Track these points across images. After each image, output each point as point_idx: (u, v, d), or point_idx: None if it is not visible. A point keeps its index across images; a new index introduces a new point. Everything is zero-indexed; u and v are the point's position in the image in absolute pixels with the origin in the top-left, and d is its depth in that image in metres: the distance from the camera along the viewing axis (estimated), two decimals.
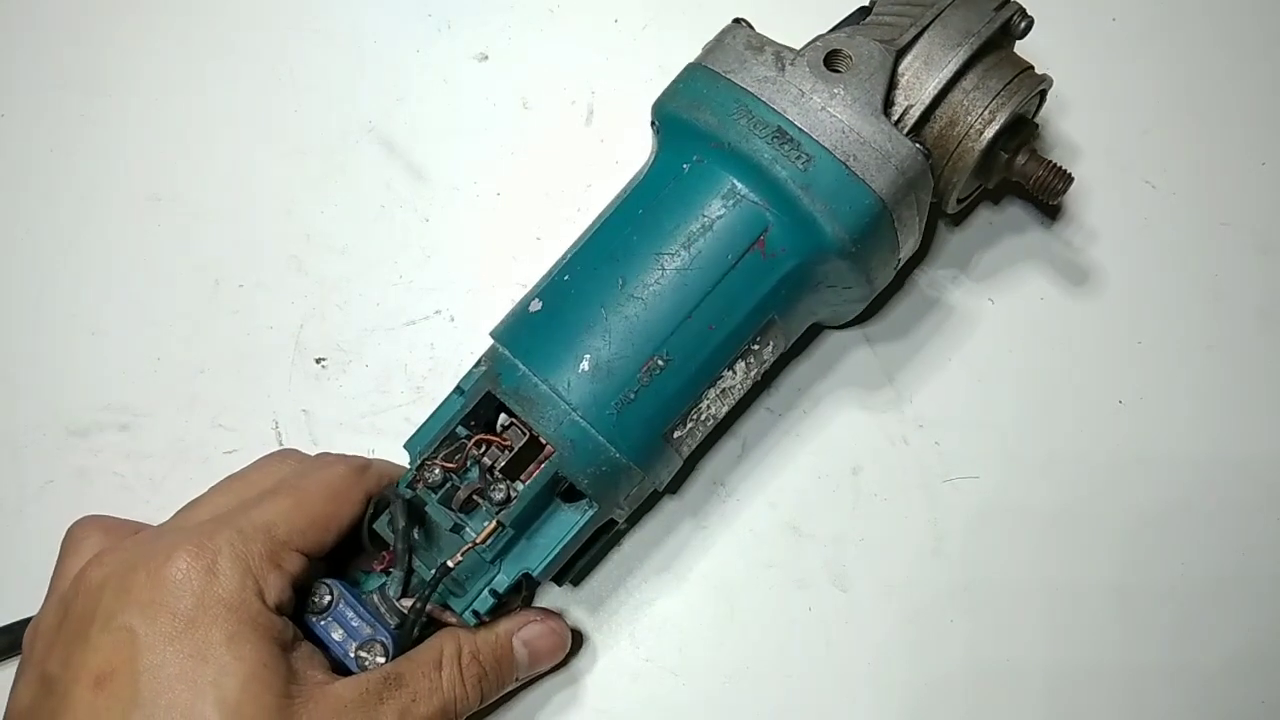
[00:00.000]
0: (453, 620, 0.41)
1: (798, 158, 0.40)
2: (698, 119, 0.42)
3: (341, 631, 0.39)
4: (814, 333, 0.50)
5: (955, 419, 0.50)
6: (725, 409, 0.44)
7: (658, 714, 0.46)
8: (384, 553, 0.42)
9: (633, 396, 0.40)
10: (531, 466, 0.41)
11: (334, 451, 0.45)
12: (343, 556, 0.42)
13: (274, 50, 0.56)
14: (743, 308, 0.42)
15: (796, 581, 0.48)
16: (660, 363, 0.40)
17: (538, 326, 0.41)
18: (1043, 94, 0.46)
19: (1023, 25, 0.44)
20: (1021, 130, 0.46)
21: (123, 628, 0.35)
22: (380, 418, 0.50)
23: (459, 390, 0.43)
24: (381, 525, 0.41)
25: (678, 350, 0.41)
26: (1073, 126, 0.54)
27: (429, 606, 0.40)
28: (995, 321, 0.51)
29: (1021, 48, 0.46)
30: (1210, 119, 0.54)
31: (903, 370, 0.50)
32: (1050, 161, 0.46)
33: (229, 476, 0.43)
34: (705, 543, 0.48)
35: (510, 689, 0.43)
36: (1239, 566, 0.48)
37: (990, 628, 0.47)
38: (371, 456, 0.45)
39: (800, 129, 0.41)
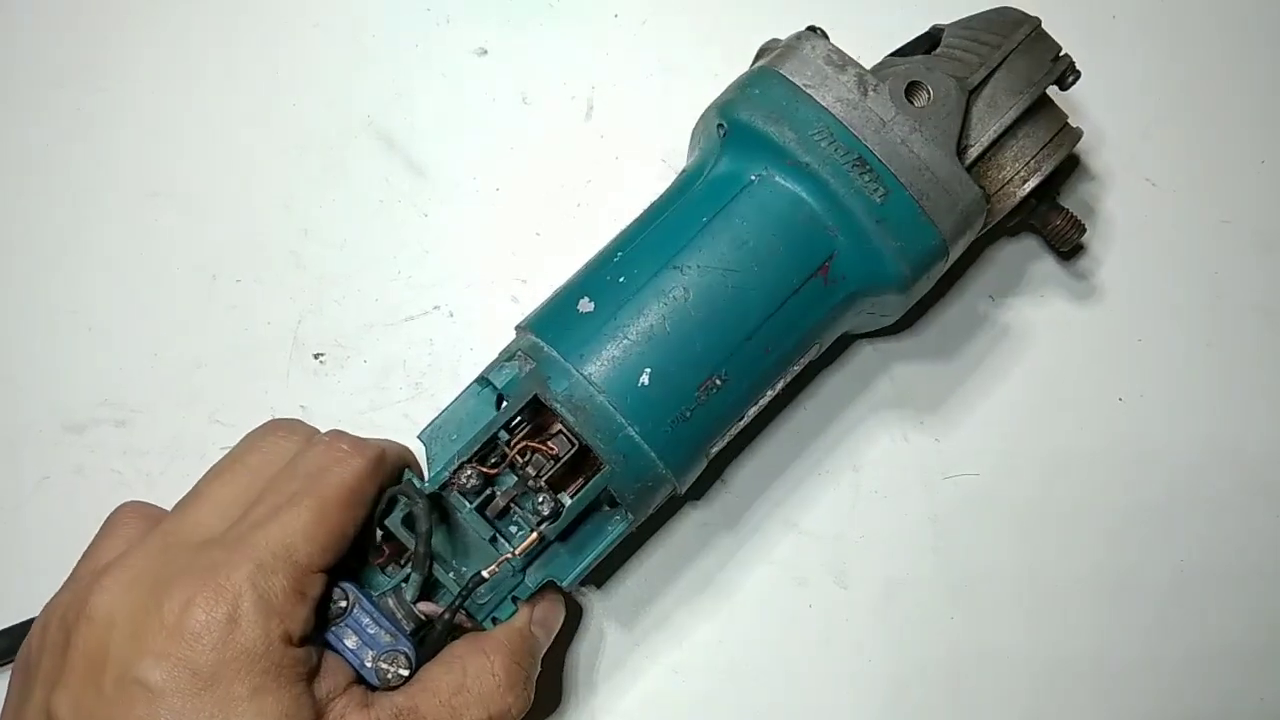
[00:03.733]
0: (469, 626, 0.40)
1: (875, 190, 0.40)
2: (776, 133, 0.40)
3: (356, 639, 0.37)
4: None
5: (955, 416, 0.50)
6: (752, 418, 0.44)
7: (658, 711, 0.46)
8: (385, 545, 0.40)
9: (688, 415, 0.39)
10: (579, 479, 0.40)
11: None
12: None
13: (272, 45, 0.55)
14: (798, 332, 0.41)
15: (797, 578, 0.48)
16: (718, 382, 0.39)
17: (591, 330, 0.39)
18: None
19: (1071, 79, 0.45)
20: (1051, 179, 0.46)
21: (138, 682, 0.33)
22: (379, 414, 0.50)
23: (484, 382, 0.40)
24: (394, 522, 0.39)
25: (735, 372, 0.40)
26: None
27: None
28: (995, 319, 0.51)
29: None
30: (1211, 117, 0.54)
31: (903, 367, 0.50)
32: (1069, 212, 0.48)
33: (230, 460, 0.40)
34: (705, 539, 0.48)
35: None
36: (1237, 562, 0.48)
37: (990, 624, 0.47)
38: (381, 439, 0.42)
39: (880, 160, 0.40)
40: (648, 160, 0.53)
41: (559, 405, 0.38)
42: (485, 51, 0.55)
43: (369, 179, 0.53)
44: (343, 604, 0.37)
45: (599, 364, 0.39)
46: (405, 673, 0.37)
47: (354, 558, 0.40)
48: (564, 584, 0.40)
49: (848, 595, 0.47)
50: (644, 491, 0.40)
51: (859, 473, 0.49)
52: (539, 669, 0.41)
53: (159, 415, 0.50)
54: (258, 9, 0.56)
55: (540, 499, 0.38)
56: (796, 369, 0.43)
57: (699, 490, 0.49)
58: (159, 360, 0.51)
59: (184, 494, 0.40)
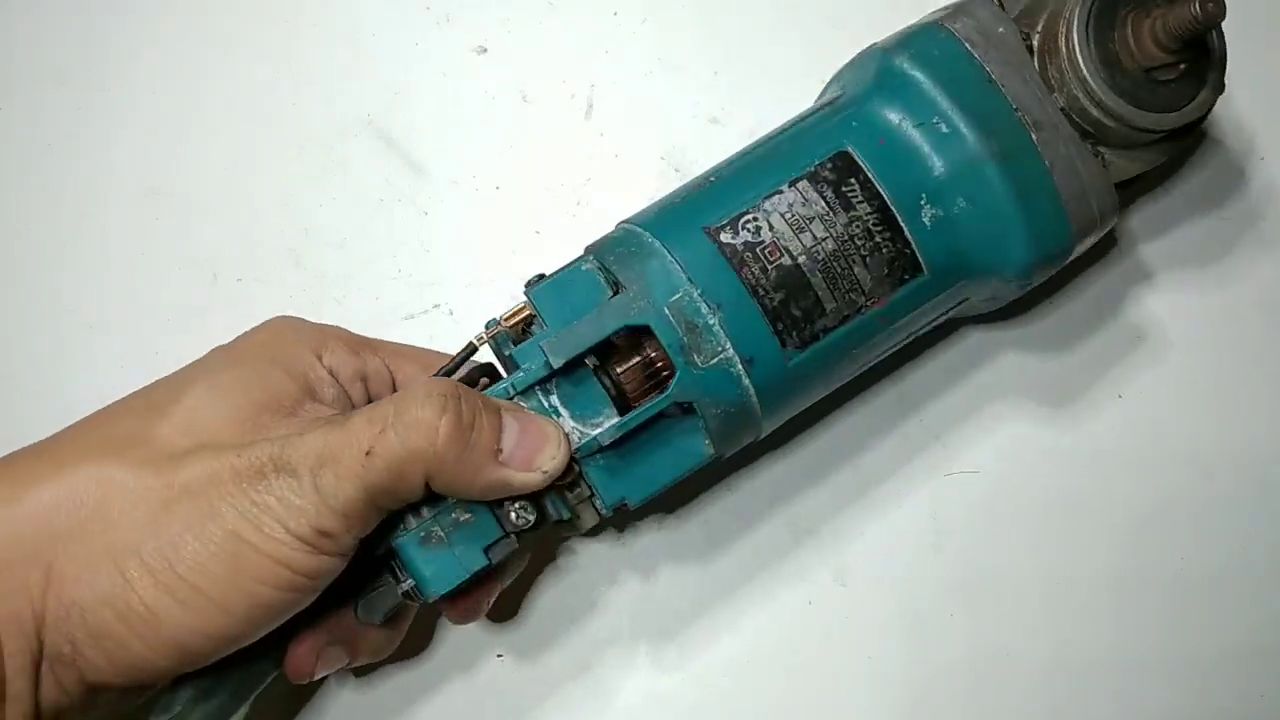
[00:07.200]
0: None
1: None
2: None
3: None
4: None
5: (955, 413, 0.50)
6: (799, 246, 0.41)
7: (657, 708, 0.46)
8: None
9: (677, 202, 0.43)
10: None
11: None
12: None
13: (272, 43, 0.55)
14: (804, 137, 0.43)
15: (796, 576, 0.48)
16: (711, 179, 0.43)
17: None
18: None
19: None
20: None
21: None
22: None
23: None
24: None
25: (727, 172, 0.43)
26: None
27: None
28: (994, 316, 0.51)
29: None
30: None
31: (902, 364, 0.50)
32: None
33: None
34: (704, 537, 0.48)
35: (489, 481, 0.36)
36: (1238, 560, 0.48)
37: (990, 621, 0.47)
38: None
39: None
40: (647, 158, 0.53)
41: (591, 250, 0.43)
42: (485, 50, 0.55)
43: (369, 178, 0.53)
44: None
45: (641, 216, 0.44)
46: None
47: None
48: (545, 342, 0.39)
49: (847, 593, 0.47)
50: (626, 257, 0.41)
51: (859, 470, 0.49)
52: (489, 450, 0.36)
53: None
54: (258, 8, 0.56)
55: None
56: (845, 192, 0.41)
57: (698, 489, 0.49)
58: (159, 359, 0.51)
59: None
